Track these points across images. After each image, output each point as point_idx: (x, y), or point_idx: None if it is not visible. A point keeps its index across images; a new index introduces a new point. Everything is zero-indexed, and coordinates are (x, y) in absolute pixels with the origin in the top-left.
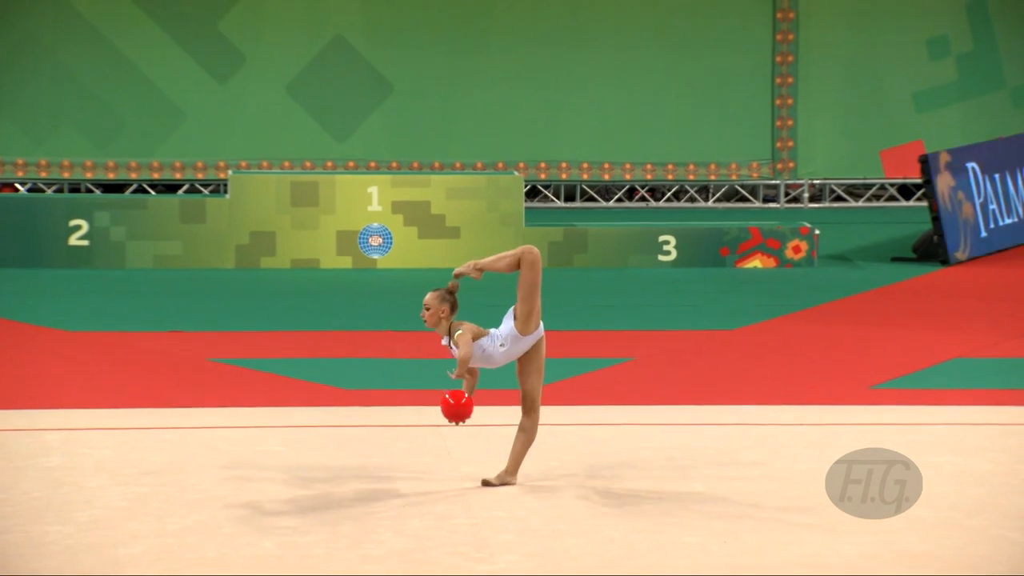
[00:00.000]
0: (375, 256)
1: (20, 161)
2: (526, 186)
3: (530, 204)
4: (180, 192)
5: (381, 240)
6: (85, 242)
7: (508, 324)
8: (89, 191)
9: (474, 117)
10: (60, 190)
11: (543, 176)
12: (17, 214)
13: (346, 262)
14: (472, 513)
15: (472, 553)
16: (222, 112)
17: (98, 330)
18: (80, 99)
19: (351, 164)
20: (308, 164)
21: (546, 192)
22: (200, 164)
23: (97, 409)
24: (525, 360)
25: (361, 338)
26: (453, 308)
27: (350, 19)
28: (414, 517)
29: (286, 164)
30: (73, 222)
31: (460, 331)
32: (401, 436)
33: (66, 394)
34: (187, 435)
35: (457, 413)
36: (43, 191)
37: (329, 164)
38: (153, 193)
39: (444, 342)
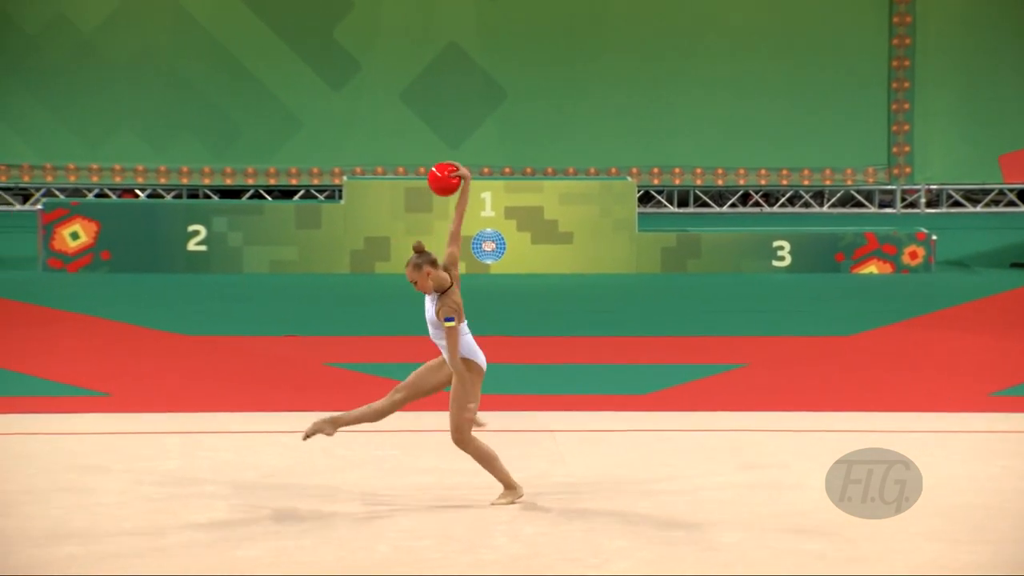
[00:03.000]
0: (488, 261)
1: (140, 167)
2: (639, 191)
3: (643, 209)
4: (296, 198)
5: (494, 245)
6: (203, 247)
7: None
8: (207, 197)
9: (587, 122)
10: (179, 196)
11: (656, 181)
12: (137, 220)
13: (459, 267)
14: (586, 519)
15: (587, 559)
16: (337, 119)
17: (215, 334)
18: (198, 107)
19: None
20: (422, 170)
21: (659, 197)
22: (315, 170)
23: (215, 412)
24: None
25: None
26: (433, 263)
27: (464, 26)
28: (528, 522)
29: (400, 170)
30: (191, 227)
31: (452, 304)
32: (514, 441)
33: (184, 398)
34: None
35: (444, 187)
36: (162, 197)
37: None
38: (269, 199)
39: (430, 298)
